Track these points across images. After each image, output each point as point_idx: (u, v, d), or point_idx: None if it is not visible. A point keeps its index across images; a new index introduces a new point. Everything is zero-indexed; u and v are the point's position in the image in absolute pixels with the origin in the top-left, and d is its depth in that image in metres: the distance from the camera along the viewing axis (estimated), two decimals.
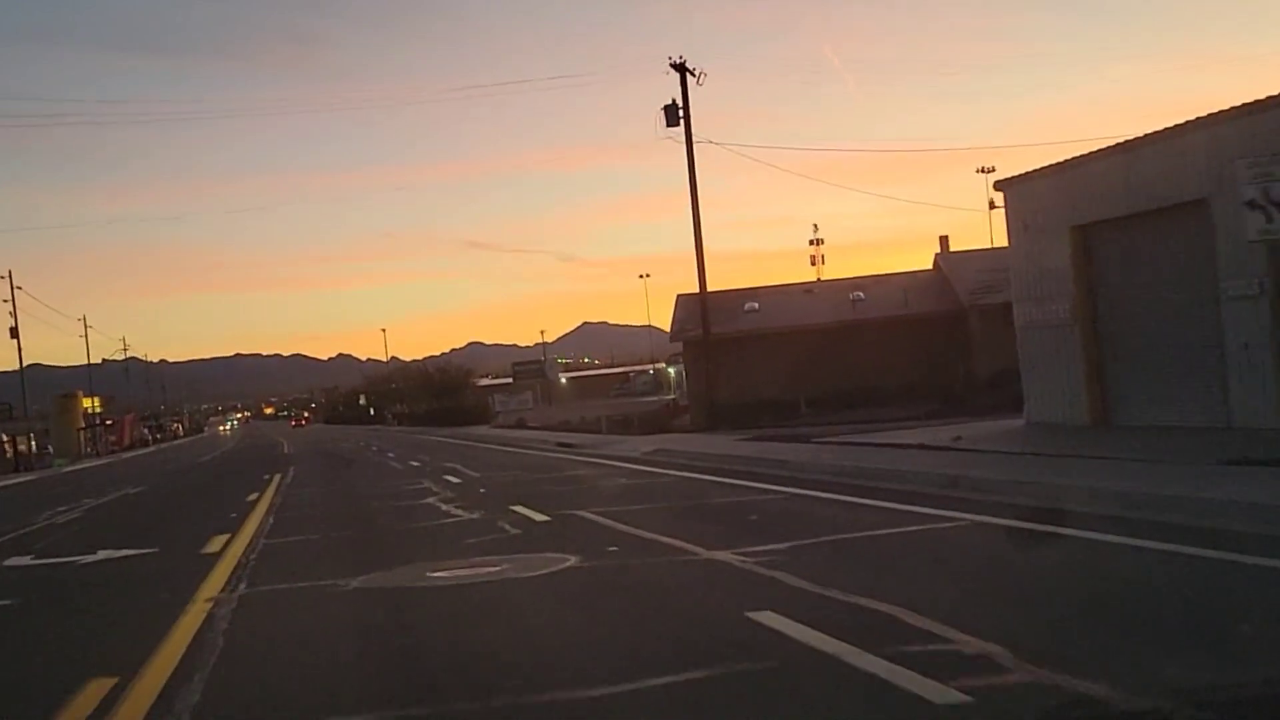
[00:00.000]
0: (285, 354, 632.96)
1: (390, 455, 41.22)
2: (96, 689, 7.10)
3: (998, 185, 24.88)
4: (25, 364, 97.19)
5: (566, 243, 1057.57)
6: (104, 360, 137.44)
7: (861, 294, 51.35)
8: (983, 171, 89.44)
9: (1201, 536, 9.29)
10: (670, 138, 38.41)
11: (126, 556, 14.98)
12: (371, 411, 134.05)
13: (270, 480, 30.13)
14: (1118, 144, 21.00)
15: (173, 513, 22.96)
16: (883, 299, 50.61)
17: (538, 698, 6.14)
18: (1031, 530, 10.59)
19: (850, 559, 9.94)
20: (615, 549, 11.39)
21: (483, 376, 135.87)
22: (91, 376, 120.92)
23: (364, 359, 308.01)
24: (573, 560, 10.74)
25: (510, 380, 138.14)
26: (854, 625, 7.05)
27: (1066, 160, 22.46)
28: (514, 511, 16.00)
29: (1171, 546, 9.13)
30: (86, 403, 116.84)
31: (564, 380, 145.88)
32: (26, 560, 15.91)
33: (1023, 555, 9.86)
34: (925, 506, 12.61)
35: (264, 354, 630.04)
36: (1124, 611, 7.34)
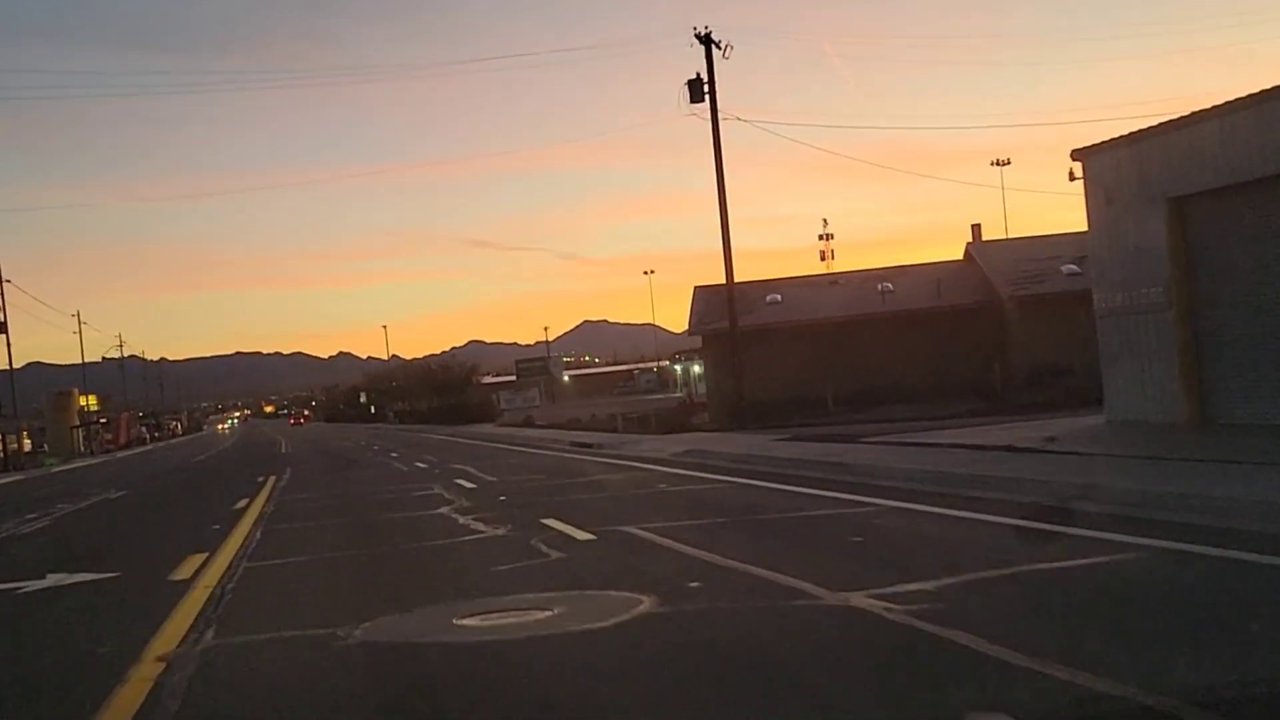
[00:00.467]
0: (286, 352, 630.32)
1: (393, 455, 38.58)
2: None
3: (1076, 154, 22.17)
4: (25, 362, 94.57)
5: (567, 241, 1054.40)
6: (104, 358, 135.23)
7: (889, 285, 48.73)
8: (997, 164, 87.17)
9: None
10: (694, 114, 35.74)
11: (78, 584, 12.34)
12: (372, 410, 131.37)
13: (264, 484, 27.52)
14: (1226, 103, 18.36)
15: (149, 523, 20.34)
16: (912, 290, 47.98)
17: None
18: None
19: (1055, 611, 7.20)
20: (698, 584, 8.72)
21: (485, 374, 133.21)
22: (86, 374, 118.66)
23: (364, 357, 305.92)
24: (646, 603, 8.09)
25: (514, 378, 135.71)
26: None
27: (1163, 123, 19.81)
28: (547, 526, 13.37)
29: None
30: (84, 401, 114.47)
31: (566, 378, 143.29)
32: None
33: None
34: (1086, 528, 9.95)
35: (264, 352, 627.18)
36: None
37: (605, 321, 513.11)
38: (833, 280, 52.08)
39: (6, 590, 12.20)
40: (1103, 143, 21.57)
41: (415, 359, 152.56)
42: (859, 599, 7.54)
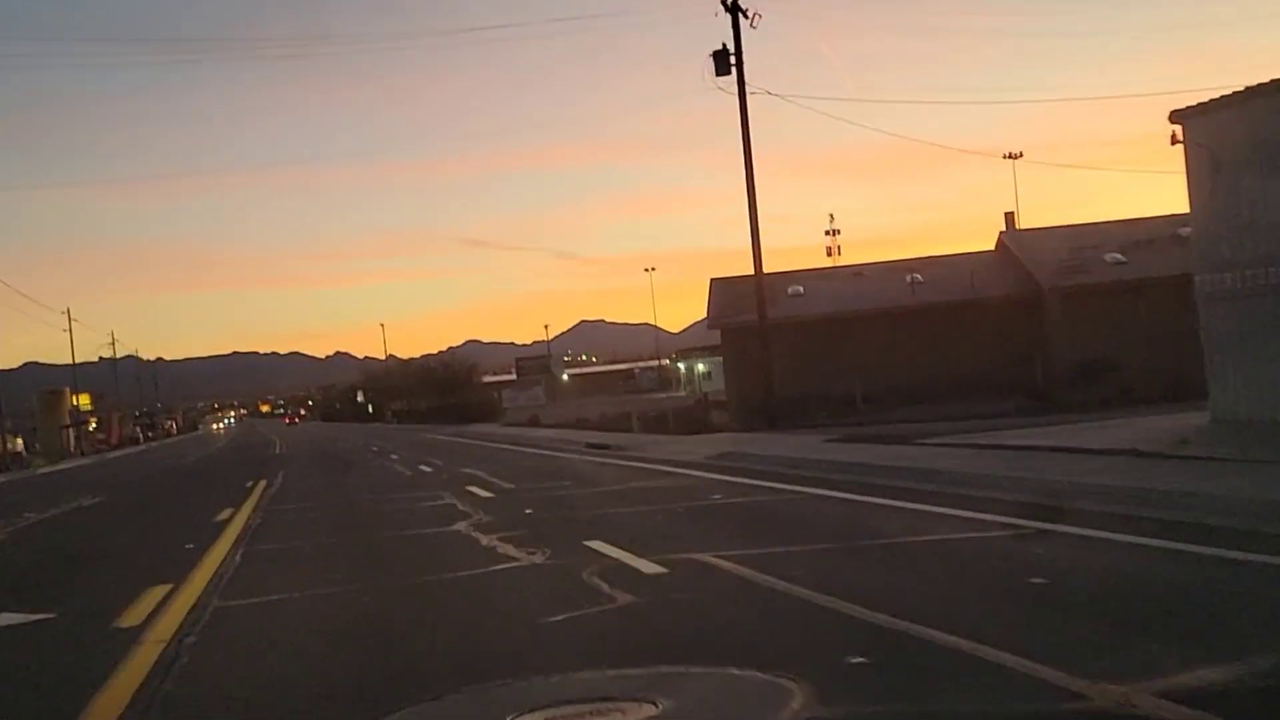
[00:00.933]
0: (282, 352, 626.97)
1: (394, 458, 35.82)
2: None
3: (1175, 116, 19.42)
4: (22, 362, 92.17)
5: (563, 240, 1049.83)
6: (100, 359, 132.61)
7: (918, 276, 45.98)
8: (1010, 157, 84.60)
9: None
10: (720, 88, 32.98)
11: (3, 628, 9.61)
12: (370, 409, 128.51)
13: (252, 489, 24.79)
14: None
15: (116, 538, 17.55)
16: (942, 282, 45.22)
17: None
18: None
19: None
20: (863, 660, 5.96)
21: (483, 374, 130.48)
22: (83, 374, 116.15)
23: (361, 357, 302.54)
24: (798, 697, 5.34)
25: (514, 377, 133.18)
26: None
27: None
28: (596, 552, 10.64)
29: None
30: (78, 401, 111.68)
31: (565, 377, 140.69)
32: None
33: None
34: None
35: (261, 352, 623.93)
36: None
37: (602, 321, 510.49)
38: (857, 272, 49.29)
39: None
40: (1207, 102, 18.87)
41: (413, 358, 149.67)
42: (1153, 702, 4.78)
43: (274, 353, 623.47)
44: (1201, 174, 19.05)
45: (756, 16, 33.12)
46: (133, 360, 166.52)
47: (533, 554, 11.01)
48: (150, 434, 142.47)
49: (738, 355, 44.62)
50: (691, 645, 6.64)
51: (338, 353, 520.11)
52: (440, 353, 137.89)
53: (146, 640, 8.28)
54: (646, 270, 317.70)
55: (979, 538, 10.06)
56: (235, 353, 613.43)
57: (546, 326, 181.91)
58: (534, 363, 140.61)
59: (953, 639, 6.16)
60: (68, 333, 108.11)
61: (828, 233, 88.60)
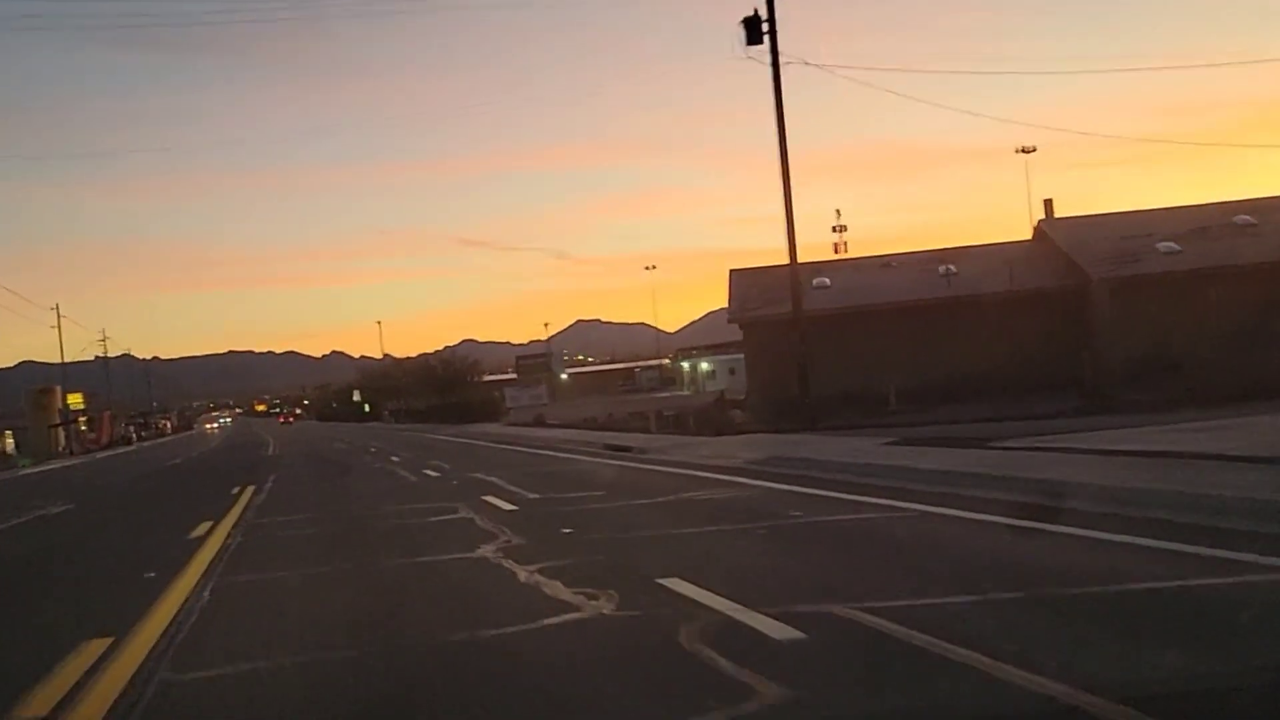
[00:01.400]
0: (278, 351, 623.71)
1: (395, 460, 33.05)
2: None
3: None
4: (18, 361, 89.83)
5: (559, 240, 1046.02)
6: (96, 357, 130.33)
7: (952, 268, 43.27)
8: (1023, 151, 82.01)
9: None
10: (751, 58, 30.24)
11: None
12: (367, 408, 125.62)
13: (239, 497, 22.04)
14: None
15: (64, 565, 14.69)
16: (979, 273, 42.55)
17: None
18: None
19: None
20: None
21: (484, 372, 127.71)
22: (79, 373, 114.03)
23: (357, 356, 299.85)
24: None
25: (513, 376, 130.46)
26: None
27: None
28: (680, 596, 7.90)
29: None
30: (71, 399, 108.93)
31: (564, 376, 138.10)
32: None
33: None
34: None
35: (257, 351, 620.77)
36: None
37: (598, 321, 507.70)
38: (885, 263, 46.54)
39: None
40: None
41: (408, 358, 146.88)
42: None
43: (270, 352, 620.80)
44: None
45: None
46: (128, 359, 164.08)
47: (593, 597, 8.22)
48: (143, 433, 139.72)
49: (761, 351, 41.92)
50: None
51: (334, 352, 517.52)
52: (436, 352, 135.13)
53: None
54: (648, 268, 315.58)
55: (1217, 585, 7.28)
56: (231, 352, 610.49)
57: (546, 324, 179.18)
58: (534, 361, 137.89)
59: None
60: (57, 330, 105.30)
61: (834, 229, 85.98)
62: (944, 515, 11.45)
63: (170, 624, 8.73)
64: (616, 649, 6.78)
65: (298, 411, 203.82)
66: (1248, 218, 39.30)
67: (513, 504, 16.06)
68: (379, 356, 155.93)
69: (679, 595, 8.03)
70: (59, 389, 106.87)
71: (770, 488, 15.83)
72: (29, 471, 63.42)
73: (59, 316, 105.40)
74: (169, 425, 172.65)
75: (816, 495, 14.24)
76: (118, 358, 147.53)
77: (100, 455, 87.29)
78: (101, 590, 11.28)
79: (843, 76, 50.28)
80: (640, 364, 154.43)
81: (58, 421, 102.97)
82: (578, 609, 7.94)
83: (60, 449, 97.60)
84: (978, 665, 5.61)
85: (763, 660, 6.02)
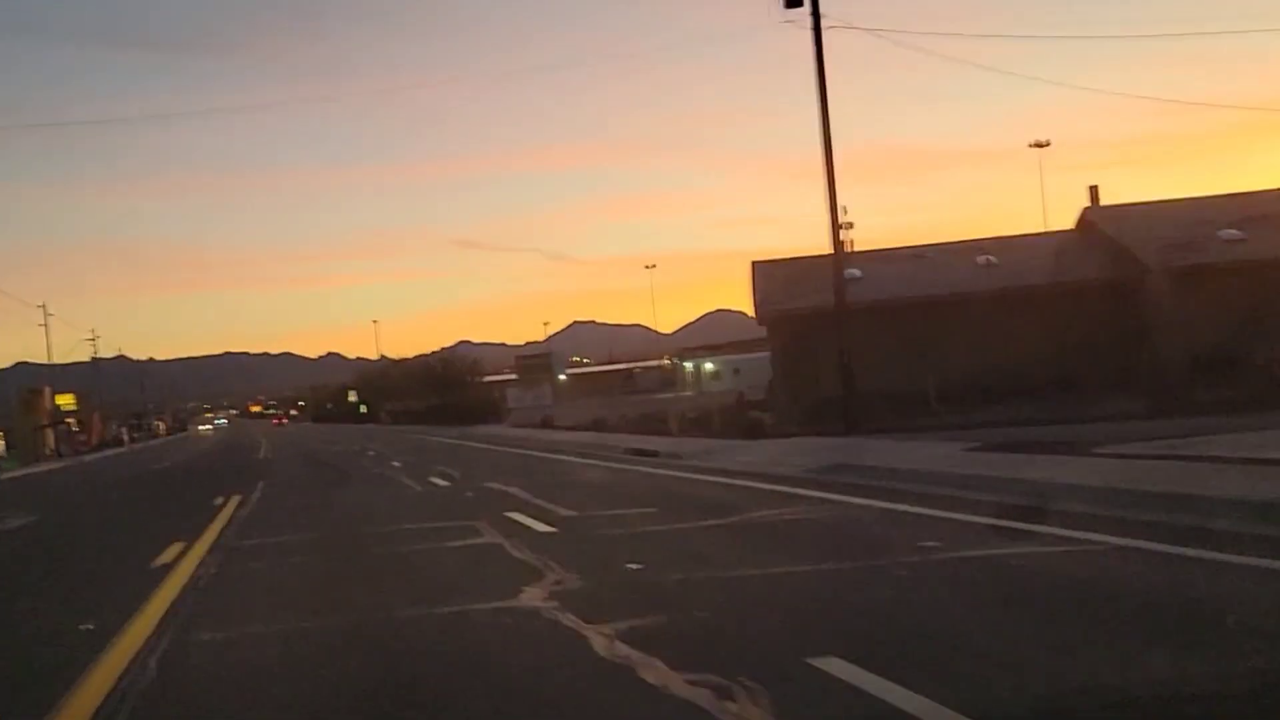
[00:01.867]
0: (274, 352, 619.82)
1: (397, 465, 30.21)
2: None
3: None
4: (14, 361, 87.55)
5: (555, 241, 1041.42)
6: (93, 358, 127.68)
7: (992, 258, 40.42)
8: (1037, 145, 79.40)
9: None
10: (790, 20, 27.44)
11: None
12: (363, 409, 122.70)
13: (221, 509, 19.24)
14: None
15: (9, 599, 11.83)
16: (1020, 264, 39.66)
17: None
18: None
19: None
20: None
21: (484, 372, 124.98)
22: (66, 374, 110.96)
23: (353, 357, 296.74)
24: None
25: (512, 376, 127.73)
26: None
27: None
28: (858, 691, 5.08)
29: None
30: (62, 400, 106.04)
31: (562, 377, 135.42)
32: None
33: None
34: None
35: (252, 352, 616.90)
36: None
37: (594, 322, 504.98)
38: (918, 253, 43.63)
39: None
40: None
41: (405, 358, 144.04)
42: None
43: (265, 353, 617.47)
44: None
45: None
46: (123, 360, 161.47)
47: (725, 694, 5.36)
48: (135, 435, 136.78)
49: (789, 347, 39.08)
50: None
51: (329, 353, 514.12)
52: (432, 354, 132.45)
53: None
54: (648, 267, 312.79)
55: None
56: (227, 353, 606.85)
57: (546, 323, 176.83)
58: (535, 361, 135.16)
59: None
60: (44, 328, 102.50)
61: (841, 226, 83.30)
62: (1151, 552, 8.60)
63: (107, 698, 5.88)
64: None
65: (293, 412, 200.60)
66: None
67: (547, 525, 13.20)
68: (375, 357, 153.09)
69: (858, 692, 5.20)
70: (48, 389, 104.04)
71: (859, 504, 13.00)
72: (11, 476, 60.56)
73: (46, 315, 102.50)
74: (163, 426, 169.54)
75: (933, 516, 11.39)
76: (113, 359, 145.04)
77: (88, 458, 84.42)
78: (21, 652, 8.42)
79: (894, 41, 47.02)
80: (639, 365, 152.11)
81: (45, 423, 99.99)
82: (713, 718, 5.08)
83: (49, 451, 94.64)
84: None
85: None
